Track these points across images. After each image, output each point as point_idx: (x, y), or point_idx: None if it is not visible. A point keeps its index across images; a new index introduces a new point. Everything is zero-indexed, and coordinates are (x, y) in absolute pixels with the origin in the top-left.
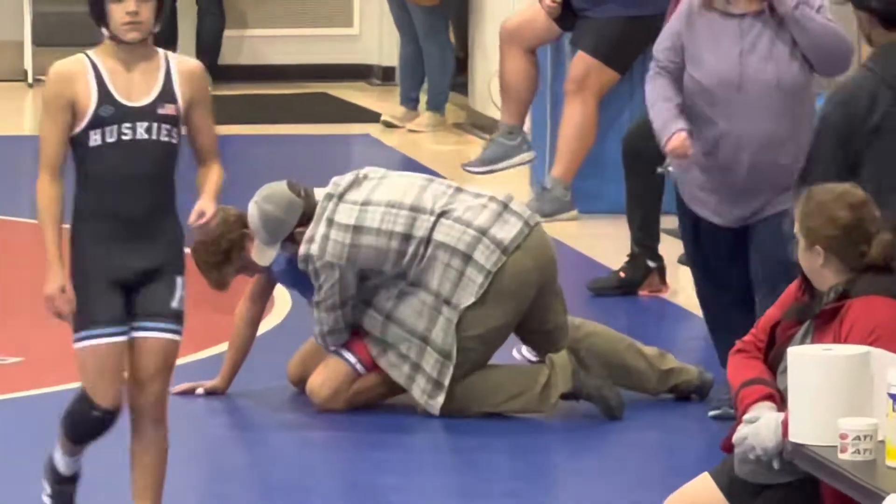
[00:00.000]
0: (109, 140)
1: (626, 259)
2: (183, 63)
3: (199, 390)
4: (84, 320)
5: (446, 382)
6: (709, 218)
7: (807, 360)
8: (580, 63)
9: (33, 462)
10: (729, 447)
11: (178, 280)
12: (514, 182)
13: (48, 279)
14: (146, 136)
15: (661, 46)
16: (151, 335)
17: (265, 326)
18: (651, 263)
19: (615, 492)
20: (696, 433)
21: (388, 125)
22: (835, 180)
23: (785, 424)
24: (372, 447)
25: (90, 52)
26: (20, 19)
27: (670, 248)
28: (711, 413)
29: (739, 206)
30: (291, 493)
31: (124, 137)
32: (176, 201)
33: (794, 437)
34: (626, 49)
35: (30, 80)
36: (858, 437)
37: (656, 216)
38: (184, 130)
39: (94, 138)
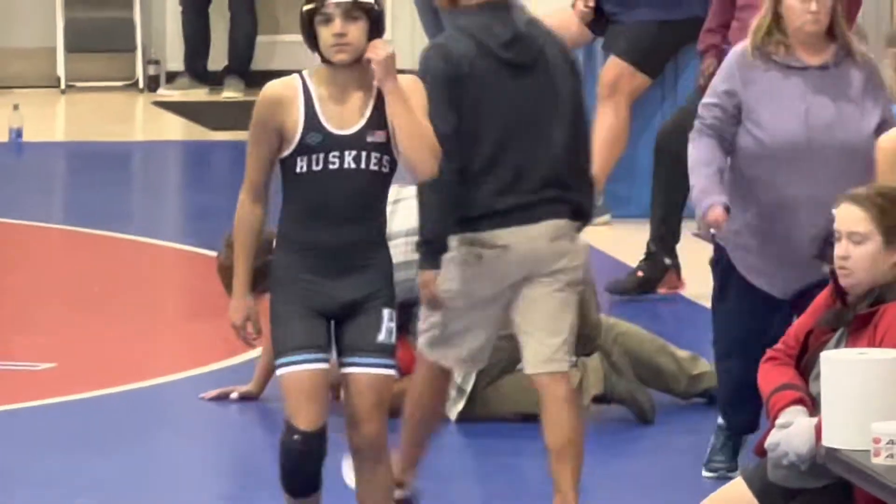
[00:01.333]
0: (315, 168)
1: (643, 258)
2: None
3: (233, 395)
4: (284, 346)
5: (468, 388)
6: (763, 287)
7: (840, 365)
8: (612, 68)
9: (65, 468)
10: (762, 451)
11: (386, 312)
12: None
13: (232, 307)
14: (354, 166)
15: (708, 102)
16: (359, 371)
17: None
18: (667, 261)
19: (647, 496)
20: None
21: None
22: None
23: (818, 429)
24: None
25: (305, 72)
26: (53, 25)
27: (693, 248)
28: (706, 474)
29: (798, 275)
30: (325, 498)
31: (331, 166)
32: (385, 232)
33: (827, 441)
34: (657, 53)
35: (62, 86)
36: (892, 441)
37: (679, 214)
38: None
39: (301, 165)
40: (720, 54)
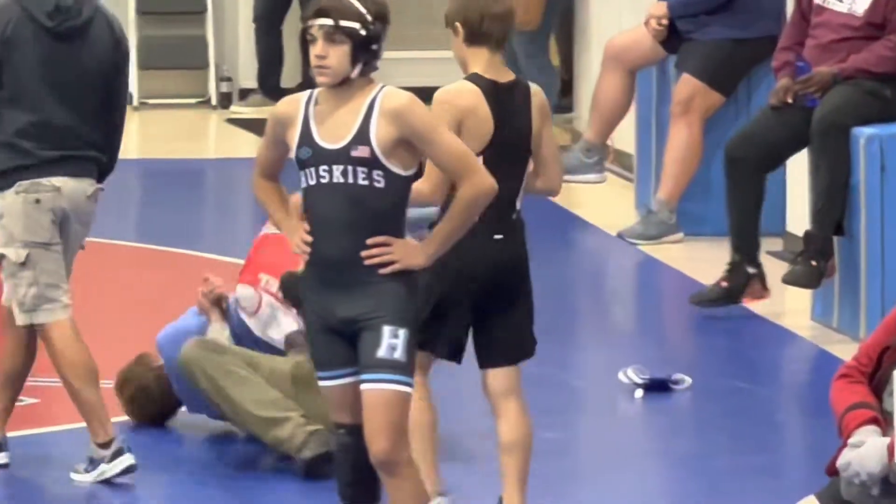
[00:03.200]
0: (311, 182)
1: (727, 268)
2: (388, 100)
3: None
4: (313, 361)
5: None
6: None
7: None
8: (685, 86)
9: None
10: (834, 471)
11: (386, 329)
12: (620, 205)
13: (289, 235)
14: (342, 180)
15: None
16: (367, 387)
17: None
18: (751, 270)
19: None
20: (802, 456)
21: None
22: None
23: (891, 449)
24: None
25: (319, 89)
26: None
27: (773, 268)
28: None
29: None
30: None
31: (322, 180)
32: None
33: None
34: (731, 72)
35: (135, 102)
36: None
37: (756, 222)
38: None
39: (303, 180)
40: (794, 72)
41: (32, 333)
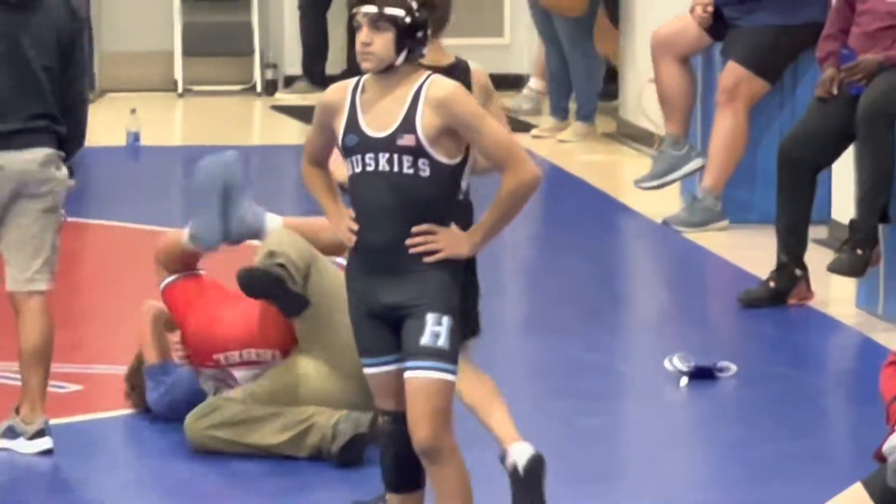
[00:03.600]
0: (356, 170)
1: (775, 269)
2: (434, 89)
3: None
4: (358, 348)
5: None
6: None
7: None
8: (731, 73)
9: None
10: (881, 457)
11: (430, 317)
12: (665, 192)
13: (334, 223)
14: (388, 168)
15: None
16: (410, 375)
17: None
18: (798, 272)
19: (763, 501)
20: (848, 443)
21: (538, 138)
22: None
23: None
24: None
25: (366, 76)
26: (170, 29)
27: (817, 256)
28: None
29: None
30: None
31: (368, 168)
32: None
33: None
34: (777, 58)
35: (180, 89)
36: None
37: (806, 223)
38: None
39: (350, 167)
40: (838, 62)
41: (40, 303)
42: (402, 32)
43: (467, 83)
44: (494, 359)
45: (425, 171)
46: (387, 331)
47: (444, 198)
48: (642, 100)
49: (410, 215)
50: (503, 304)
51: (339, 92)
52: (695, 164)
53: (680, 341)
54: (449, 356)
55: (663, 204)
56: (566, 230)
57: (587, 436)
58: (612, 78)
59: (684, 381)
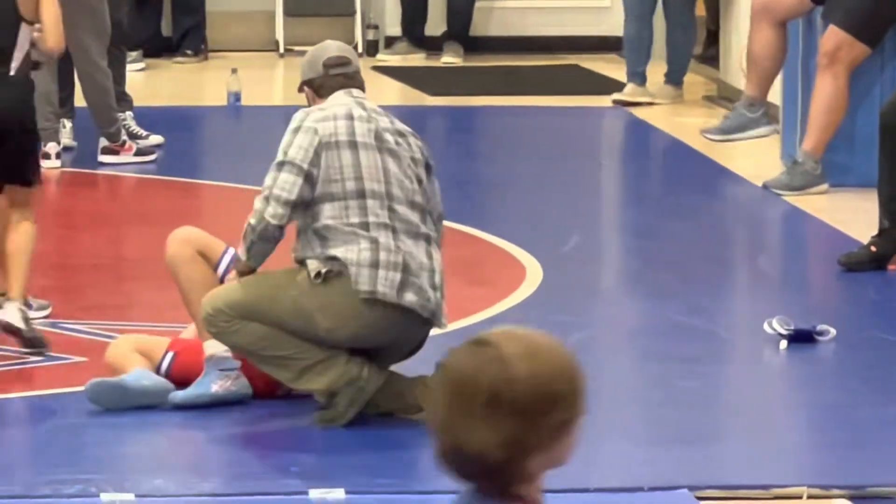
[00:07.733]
0: None
1: (876, 233)
2: None
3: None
4: None
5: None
6: None
7: None
8: (831, 37)
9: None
10: None
11: None
12: (765, 156)
13: None
14: None
15: None
16: None
17: None
18: None
19: (862, 466)
20: None
21: (620, 103)
22: None
23: None
24: None
25: None
26: None
27: None
28: None
29: None
30: None
31: None
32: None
33: None
34: (877, 23)
35: (281, 49)
36: None
37: None
38: None
39: None
40: None
41: None
42: None
43: None
44: (594, 321)
45: None
46: None
47: None
48: (743, 63)
49: None
50: (603, 266)
51: None
52: (764, 130)
53: (779, 305)
54: None
55: (764, 167)
56: (666, 192)
57: (686, 398)
58: (711, 42)
59: (783, 344)
